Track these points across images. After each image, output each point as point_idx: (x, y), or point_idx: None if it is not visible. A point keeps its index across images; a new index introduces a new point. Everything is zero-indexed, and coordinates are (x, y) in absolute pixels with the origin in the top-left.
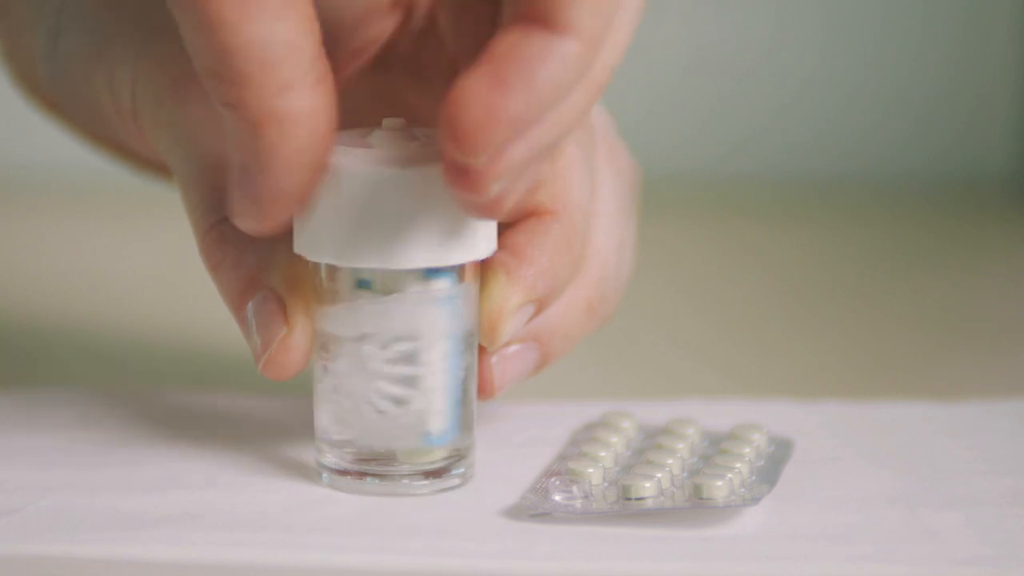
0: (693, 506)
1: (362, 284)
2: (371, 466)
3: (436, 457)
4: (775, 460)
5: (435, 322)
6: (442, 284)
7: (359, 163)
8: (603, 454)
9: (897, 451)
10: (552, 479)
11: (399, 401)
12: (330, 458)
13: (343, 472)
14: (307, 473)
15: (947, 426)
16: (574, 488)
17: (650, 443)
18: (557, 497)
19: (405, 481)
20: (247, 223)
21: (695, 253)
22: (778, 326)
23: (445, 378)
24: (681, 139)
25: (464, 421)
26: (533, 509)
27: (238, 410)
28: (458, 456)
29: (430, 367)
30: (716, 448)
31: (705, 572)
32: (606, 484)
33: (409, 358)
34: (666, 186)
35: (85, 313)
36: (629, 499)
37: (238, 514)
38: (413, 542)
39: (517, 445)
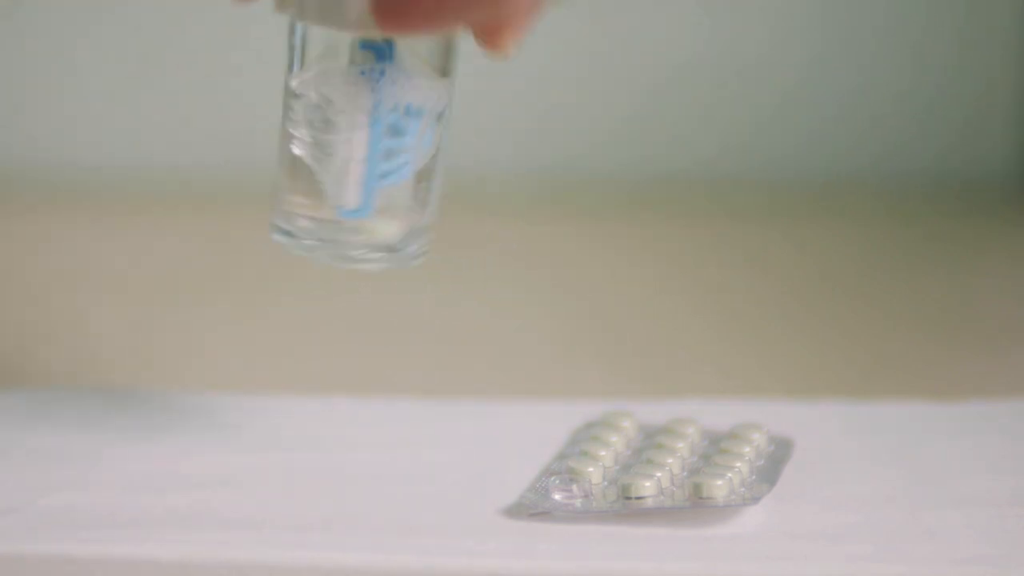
0: (693, 505)
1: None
2: (321, 230)
3: (382, 232)
4: (775, 460)
5: (356, 96)
6: (369, 56)
7: None
8: (603, 453)
9: (897, 451)
10: (552, 478)
11: (317, 160)
12: (283, 220)
13: (293, 235)
14: (307, 472)
15: (947, 426)
16: (574, 487)
17: (650, 442)
18: (557, 496)
19: (355, 253)
20: None
21: (695, 253)
22: (778, 326)
23: (362, 153)
24: (681, 139)
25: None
26: (533, 508)
27: (238, 410)
28: (412, 235)
29: (343, 139)
30: (716, 447)
31: (705, 572)
32: (606, 483)
33: (328, 123)
34: (666, 186)
35: (85, 313)
36: (629, 498)
37: (238, 514)
38: (413, 542)
39: (517, 445)
